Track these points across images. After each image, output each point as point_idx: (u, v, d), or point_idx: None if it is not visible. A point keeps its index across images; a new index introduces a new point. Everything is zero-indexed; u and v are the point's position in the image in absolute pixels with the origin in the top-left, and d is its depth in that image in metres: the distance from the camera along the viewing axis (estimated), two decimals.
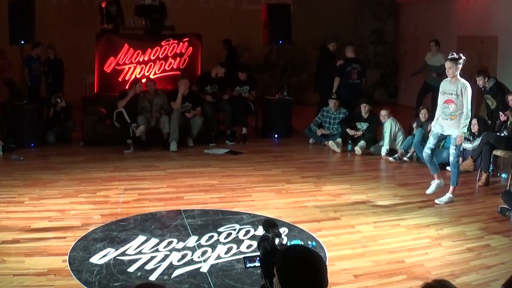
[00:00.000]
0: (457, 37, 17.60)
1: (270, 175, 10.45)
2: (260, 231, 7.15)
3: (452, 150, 9.00)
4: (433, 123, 9.17)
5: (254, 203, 8.62)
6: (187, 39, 14.23)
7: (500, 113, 10.83)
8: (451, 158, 9.08)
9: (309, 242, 7.01)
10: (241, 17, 18.48)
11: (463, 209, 8.83)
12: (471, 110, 8.80)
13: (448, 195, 9.06)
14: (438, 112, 9.01)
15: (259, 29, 15.59)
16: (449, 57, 8.74)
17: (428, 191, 9.21)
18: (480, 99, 13.53)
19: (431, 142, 9.08)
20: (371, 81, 20.89)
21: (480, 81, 12.10)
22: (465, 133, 9.09)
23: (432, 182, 9.26)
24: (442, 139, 9.66)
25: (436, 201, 8.96)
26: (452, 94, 8.72)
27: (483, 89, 12.25)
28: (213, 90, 13.70)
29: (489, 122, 12.00)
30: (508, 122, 10.49)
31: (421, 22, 19.54)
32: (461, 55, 8.70)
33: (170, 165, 10.92)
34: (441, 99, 8.91)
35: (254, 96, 14.07)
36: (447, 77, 8.85)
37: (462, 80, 8.71)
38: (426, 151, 9.13)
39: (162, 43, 13.99)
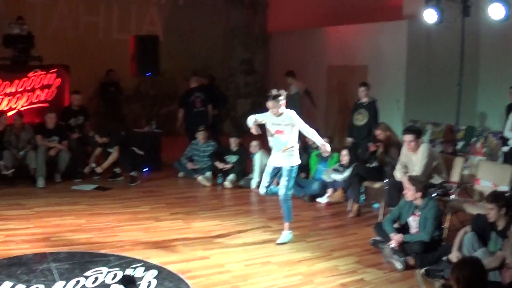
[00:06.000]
0: (327, 67, 18.05)
1: (139, 212, 10.33)
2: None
3: (283, 182, 8.71)
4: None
5: (122, 244, 8.43)
6: (54, 70, 14.09)
7: (369, 144, 11.04)
8: (281, 191, 8.73)
9: None
10: (110, 47, 18.24)
11: (335, 242, 8.91)
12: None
13: (287, 232, 8.89)
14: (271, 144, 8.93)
15: (129, 59, 15.53)
16: (269, 95, 8.60)
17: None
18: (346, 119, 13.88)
19: (265, 179, 8.98)
20: (241, 110, 21.17)
21: (362, 92, 12.45)
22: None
23: None
24: (277, 172, 9.07)
25: (278, 241, 8.77)
26: (280, 125, 8.67)
27: (358, 103, 12.61)
28: (78, 122, 13.50)
29: (351, 139, 12.58)
30: (378, 153, 10.70)
31: (291, 52, 19.98)
32: (281, 91, 8.64)
33: (37, 203, 10.58)
34: (272, 129, 8.79)
35: (88, 128, 13.74)
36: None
37: (286, 110, 8.65)
38: (262, 189, 9.02)
39: (30, 74, 13.78)
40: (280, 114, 8.61)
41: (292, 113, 8.64)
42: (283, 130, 8.63)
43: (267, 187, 8.98)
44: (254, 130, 8.84)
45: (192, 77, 15.20)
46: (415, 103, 15.32)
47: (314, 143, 9.86)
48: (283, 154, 8.69)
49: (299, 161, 8.86)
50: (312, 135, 8.77)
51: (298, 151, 8.79)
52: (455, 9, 12.42)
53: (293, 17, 20.35)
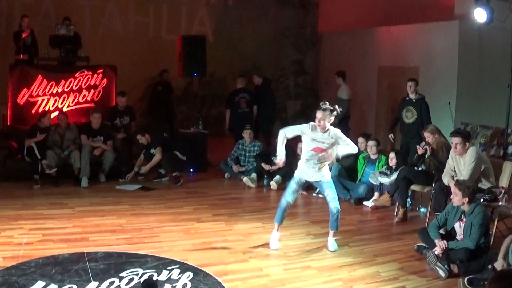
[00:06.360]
0: (378, 68, 17.80)
1: (181, 213, 10.23)
2: (164, 276, 7.00)
3: (333, 195, 8.31)
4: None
5: (160, 245, 8.35)
6: (101, 70, 14.13)
7: (418, 146, 10.57)
8: (335, 205, 8.28)
9: None
10: (160, 48, 18.29)
11: (378, 247, 8.65)
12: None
13: (333, 239, 8.53)
14: (302, 159, 8.33)
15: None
16: (322, 106, 8.01)
17: None
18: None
19: (292, 195, 8.43)
20: (291, 111, 21.04)
21: (411, 87, 12.17)
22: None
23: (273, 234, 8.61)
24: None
25: (330, 249, 8.41)
26: (324, 143, 8.12)
27: (407, 98, 12.35)
28: (123, 122, 13.57)
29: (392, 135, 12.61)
30: (426, 156, 10.34)
31: (342, 52, 19.80)
32: (336, 107, 8.06)
33: (79, 203, 10.60)
34: (309, 145, 8.21)
35: (133, 128, 13.82)
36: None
37: (332, 128, 8.12)
38: (285, 203, 8.46)
39: (76, 75, 13.86)
40: (326, 131, 8.06)
41: (338, 132, 8.14)
42: (325, 148, 8.10)
43: (291, 203, 8.54)
44: (280, 159, 8.37)
45: (238, 77, 15.17)
46: (466, 105, 14.92)
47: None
48: (321, 170, 8.29)
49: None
50: (346, 150, 8.31)
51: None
52: (506, 8, 12.13)
53: (344, 18, 20.12)
